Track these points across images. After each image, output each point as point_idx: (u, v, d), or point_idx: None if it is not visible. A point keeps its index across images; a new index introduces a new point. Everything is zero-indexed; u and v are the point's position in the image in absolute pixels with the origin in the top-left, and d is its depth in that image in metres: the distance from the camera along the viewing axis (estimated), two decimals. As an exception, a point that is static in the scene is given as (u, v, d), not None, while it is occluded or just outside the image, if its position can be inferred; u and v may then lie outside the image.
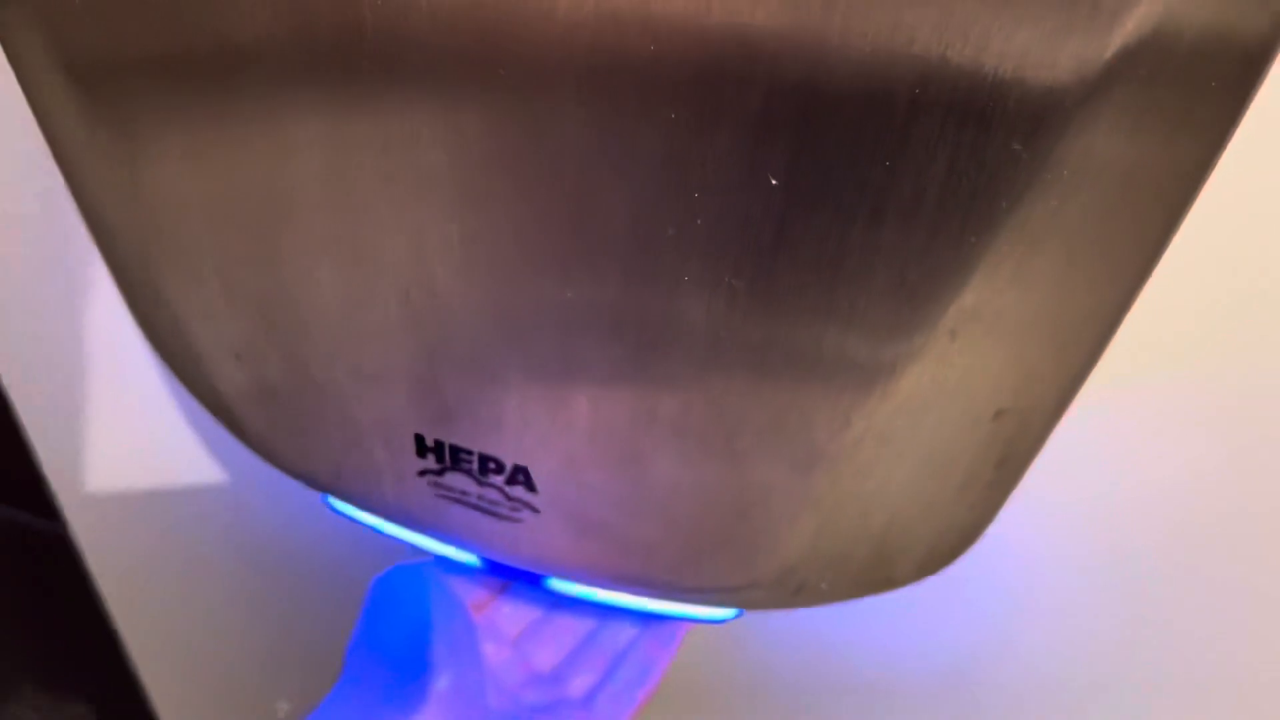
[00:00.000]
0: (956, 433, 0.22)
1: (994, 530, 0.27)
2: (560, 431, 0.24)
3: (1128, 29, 0.15)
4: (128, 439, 0.51)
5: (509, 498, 0.27)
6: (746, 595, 0.28)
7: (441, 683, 0.31)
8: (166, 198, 0.23)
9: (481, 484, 0.27)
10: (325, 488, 0.30)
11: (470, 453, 0.26)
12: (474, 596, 0.35)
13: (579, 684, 0.35)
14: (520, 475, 0.26)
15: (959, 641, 0.42)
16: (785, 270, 0.19)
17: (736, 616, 0.33)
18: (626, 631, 0.37)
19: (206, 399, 0.29)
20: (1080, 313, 0.20)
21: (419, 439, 0.26)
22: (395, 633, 0.33)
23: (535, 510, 0.27)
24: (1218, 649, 0.39)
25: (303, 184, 0.21)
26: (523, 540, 0.28)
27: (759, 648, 0.45)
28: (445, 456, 0.26)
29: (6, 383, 0.51)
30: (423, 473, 0.27)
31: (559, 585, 0.33)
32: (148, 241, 0.25)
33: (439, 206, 0.21)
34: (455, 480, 0.27)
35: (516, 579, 0.34)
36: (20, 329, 0.46)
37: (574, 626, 0.37)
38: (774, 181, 0.18)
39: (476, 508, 0.28)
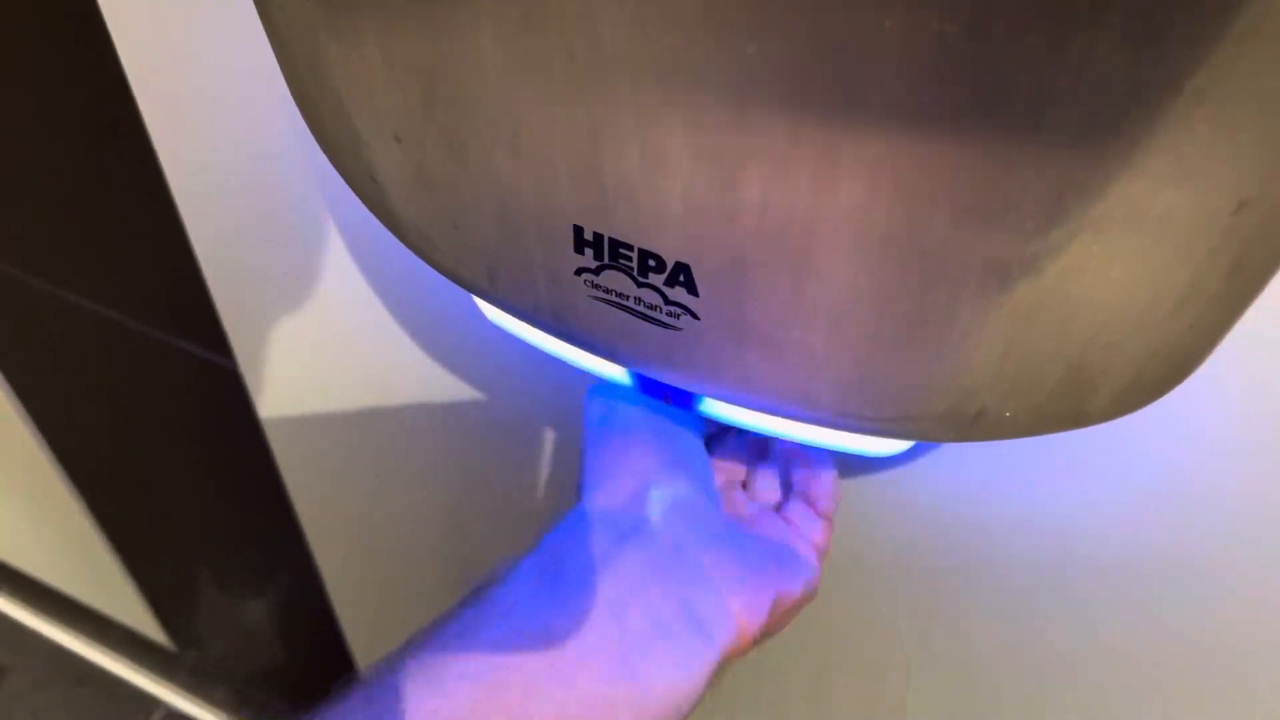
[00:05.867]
0: (1187, 227, 0.19)
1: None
2: (726, 222, 0.23)
3: None
4: (300, 290, 0.52)
5: (668, 300, 0.25)
6: (918, 425, 0.26)
7: (682, 491, 0.33)
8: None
9: (640, 284, 0.25)
10: (480, 291, 0.29)
11: (630, 248, 0.25)
12: None
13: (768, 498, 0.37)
14: (681, 275, 0.24)
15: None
16: (1010, 7, 0.17)
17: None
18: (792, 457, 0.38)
19: (366, 192, 0.28)
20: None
21: (577, 231, 0.25)
22: (625, 447, 0.34)
23: (695, 316, 0.25)
24: None
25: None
26: (678, 350, 0.27)
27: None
28: (604, 252, 0.25)
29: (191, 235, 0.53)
30: (579, 270, 0.26)
31: (712, 408, 0.31)
32: (312, 7, 0.24)
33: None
34: (613, 280, 0.26)
35: (670, 401, 0.33)
36: (207, 181, 0.47)
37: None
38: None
39: (633, 311, 0.26)
